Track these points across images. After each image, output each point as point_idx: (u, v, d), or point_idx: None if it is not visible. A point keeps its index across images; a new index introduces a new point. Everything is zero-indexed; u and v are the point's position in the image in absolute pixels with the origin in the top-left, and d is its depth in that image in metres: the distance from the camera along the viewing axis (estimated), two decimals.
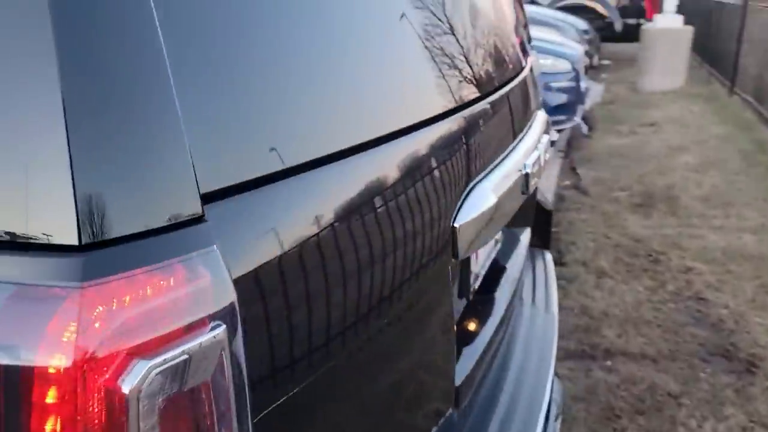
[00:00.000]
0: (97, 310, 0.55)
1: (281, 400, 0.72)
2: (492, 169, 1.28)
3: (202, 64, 0.67)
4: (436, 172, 1.04)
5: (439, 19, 1.19)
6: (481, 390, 1.39)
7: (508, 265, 1.71)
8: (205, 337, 0.60)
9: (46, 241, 0.57)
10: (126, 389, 0.55)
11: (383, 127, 0.94)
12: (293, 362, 0.74)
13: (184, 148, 0.62)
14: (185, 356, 0.58)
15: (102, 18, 0.59)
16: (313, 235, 0.76)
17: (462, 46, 1.25)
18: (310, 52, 0.84)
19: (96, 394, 0.55)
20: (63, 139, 0.55)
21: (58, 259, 0.56)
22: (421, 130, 1.03)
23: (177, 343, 0.58)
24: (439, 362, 1.17)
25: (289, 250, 0.72)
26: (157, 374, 0.57)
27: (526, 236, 1.90)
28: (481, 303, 1.49)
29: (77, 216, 0.55)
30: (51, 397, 0.55)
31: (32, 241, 0.57)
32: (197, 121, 0.64)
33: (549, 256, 2.25)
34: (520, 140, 1.51)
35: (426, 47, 1.12)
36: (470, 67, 1.27)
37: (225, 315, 0.62)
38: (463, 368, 1.25)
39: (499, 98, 1.39)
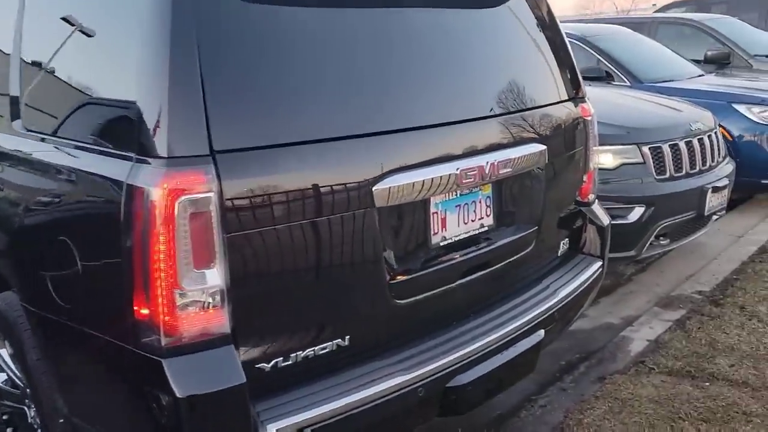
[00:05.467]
0: (172, 178, 1.71)
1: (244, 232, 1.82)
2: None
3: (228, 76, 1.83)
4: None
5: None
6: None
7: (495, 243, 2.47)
8: (208, 195, 1.73)
9: (158, 155, 1.74)
10: (178, 204, 1.71)
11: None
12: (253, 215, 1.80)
13: (205, 130, 1.75)
14: (195, 197, 1.72)
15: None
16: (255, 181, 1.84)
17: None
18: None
19: (170, 203, 1.71)
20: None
21: (161, 160, 1.73)
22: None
23: (193, 193, 1.71)
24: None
25: (245, 179, 1.83)
26: (184, 201, 1.71)
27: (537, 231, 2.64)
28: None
29: (168, 144, 1.72)
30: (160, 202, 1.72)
31: (152, 154, 1.75)
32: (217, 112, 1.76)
33: (596, 264, 2.87)
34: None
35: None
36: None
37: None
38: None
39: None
